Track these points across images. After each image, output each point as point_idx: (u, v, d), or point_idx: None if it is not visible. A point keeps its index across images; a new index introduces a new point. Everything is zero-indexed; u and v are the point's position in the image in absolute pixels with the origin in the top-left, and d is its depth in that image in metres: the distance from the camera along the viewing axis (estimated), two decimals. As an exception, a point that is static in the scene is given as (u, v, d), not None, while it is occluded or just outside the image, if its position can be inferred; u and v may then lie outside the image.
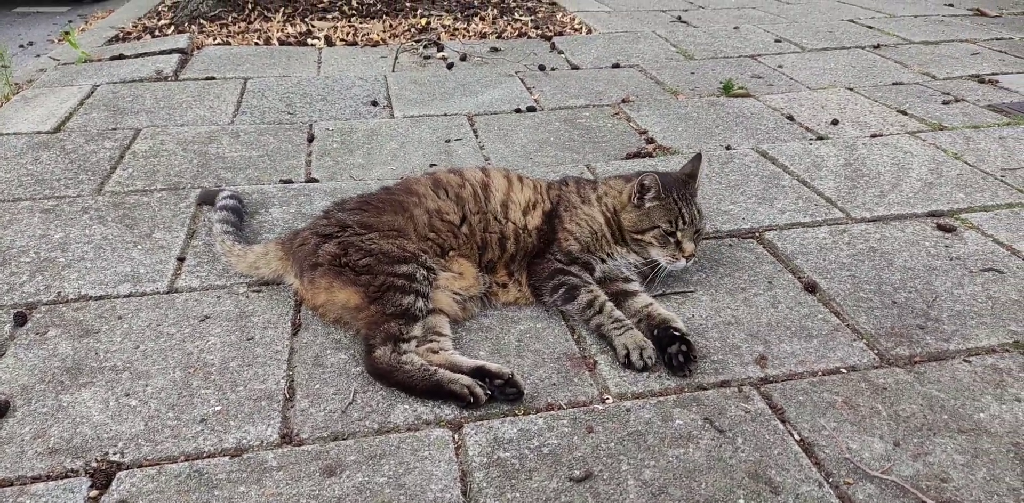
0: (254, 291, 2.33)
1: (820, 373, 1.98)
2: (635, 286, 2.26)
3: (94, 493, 1.62)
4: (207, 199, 2.82)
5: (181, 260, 2.49)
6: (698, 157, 2.36)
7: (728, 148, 3.41)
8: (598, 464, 1.67)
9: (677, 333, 2.01)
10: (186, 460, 1.70)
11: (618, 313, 2.11)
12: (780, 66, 4.63)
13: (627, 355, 1.99)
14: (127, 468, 1.68)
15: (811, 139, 3.49)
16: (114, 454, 1.72)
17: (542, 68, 4.56)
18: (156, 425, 1.80)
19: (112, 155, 3.28)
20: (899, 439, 1.74)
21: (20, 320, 2.18)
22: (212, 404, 1.87)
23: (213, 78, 4.33)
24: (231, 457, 1.71)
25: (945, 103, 3.90)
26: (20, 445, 1.74)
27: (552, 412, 1.84)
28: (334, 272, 2.09)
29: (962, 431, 1.77)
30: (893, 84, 4.24)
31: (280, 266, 2.29)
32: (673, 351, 1.97)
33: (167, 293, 2.33)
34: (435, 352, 1.99)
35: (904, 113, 3.79)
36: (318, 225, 2.24)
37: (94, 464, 1.69)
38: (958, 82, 4.26)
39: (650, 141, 3.51)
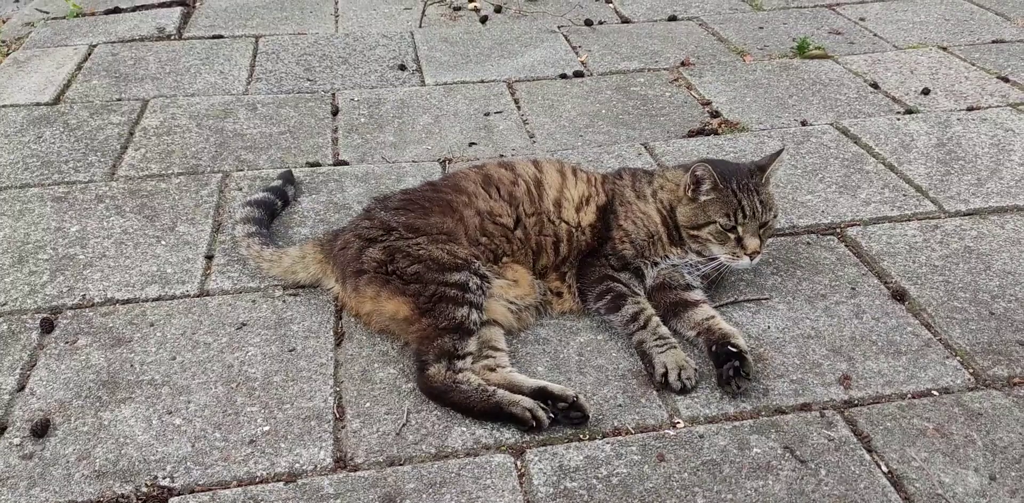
0: (291, 295, 2.46)
1: (909, 396, 2.08)
2: (697, 295, 2.35)
3: (148, 520, 1.79)
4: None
5: (209, 258, 2.62)
6: (778, 153, 2.41)
7: (804, 124, 3.44)
8: (672, 496, 1.80)
9: (734, 350, 2.11)
10: (239, 485, 1.86)
11: (663, 329, 2.21)
12: (862, 19, 4.60)
13: (664, 374, 2.10)
14: (179, 494, 1.84)
15: (899, 113, 3.51)
16: (163, 478, 1.87)
17: (588, 23, 4.57)
18: (204, 446, 1.96)
19: (121, 132, 3.39)
20: (995, 472, 1.85)
21: (47, 326, 2.33)
22: (259, 423, 2.02)
23: (221, 36, 4.40)
24: (285, 483, 1.86)
25: (1053, 67, 3.88)
26: (66, 467, 1.90)
27: (619, 437, 1.97)
28: (380, 280, 2.20)
29: (1064, 465, 1.87)
30: (993, 42, 4.21)
31: (319, 270, 2.42)
32: (726, 368, 2.07)
33: (198, 296, 2.46)
34: (492, 370, 2.11)
35: (1005, 80, 3.78)
36: (360, 227, 2.34)
37: (144, 489, 1.85)
38: (1069, 40, 4.22)
39: (715, 115, 3.55)
